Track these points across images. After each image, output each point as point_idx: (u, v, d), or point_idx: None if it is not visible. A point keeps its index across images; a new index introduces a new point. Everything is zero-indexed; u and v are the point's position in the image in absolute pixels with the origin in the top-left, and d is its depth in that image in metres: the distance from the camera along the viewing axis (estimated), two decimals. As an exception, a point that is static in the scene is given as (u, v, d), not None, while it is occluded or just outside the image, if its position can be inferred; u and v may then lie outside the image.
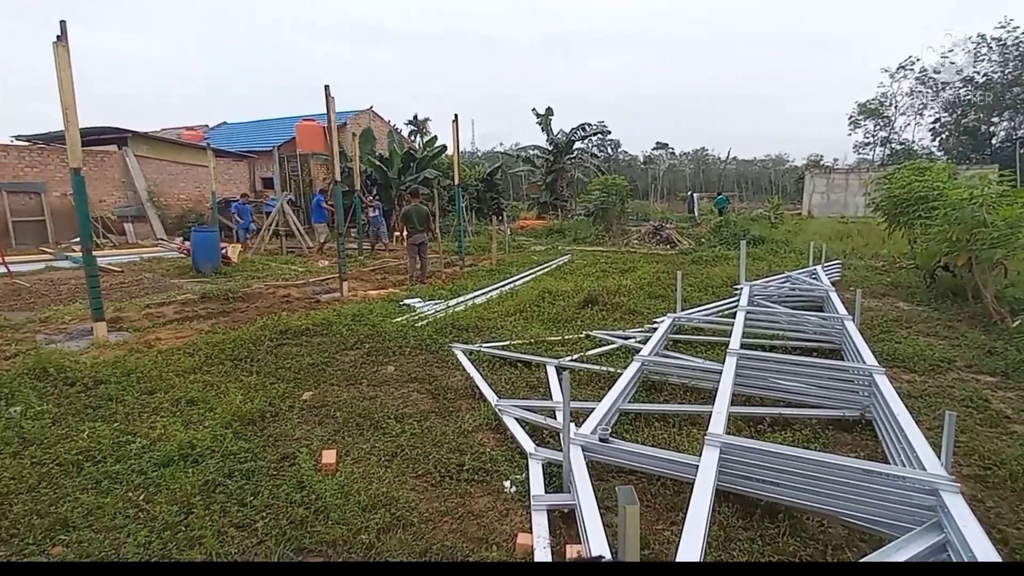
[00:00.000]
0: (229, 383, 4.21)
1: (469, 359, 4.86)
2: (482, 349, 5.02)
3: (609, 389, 3.70)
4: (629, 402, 3.71)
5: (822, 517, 2.48)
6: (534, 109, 28.23)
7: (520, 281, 9.03)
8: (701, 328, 5.73)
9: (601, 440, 2.84)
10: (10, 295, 7.93)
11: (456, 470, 2.99)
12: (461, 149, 12.18)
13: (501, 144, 58.26)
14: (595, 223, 18.42)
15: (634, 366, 4.02)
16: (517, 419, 3.52)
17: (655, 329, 5.21)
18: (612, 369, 4.41)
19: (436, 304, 7.18)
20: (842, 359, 4.47)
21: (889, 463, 2.77)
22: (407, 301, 7.37)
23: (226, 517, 2.55)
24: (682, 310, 6.01)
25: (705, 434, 2.65)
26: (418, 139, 39.03)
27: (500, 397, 3.95)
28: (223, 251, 10.90)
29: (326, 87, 8.30)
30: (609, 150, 62.95)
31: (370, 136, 20.71)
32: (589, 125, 28.07)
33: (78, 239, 14.87)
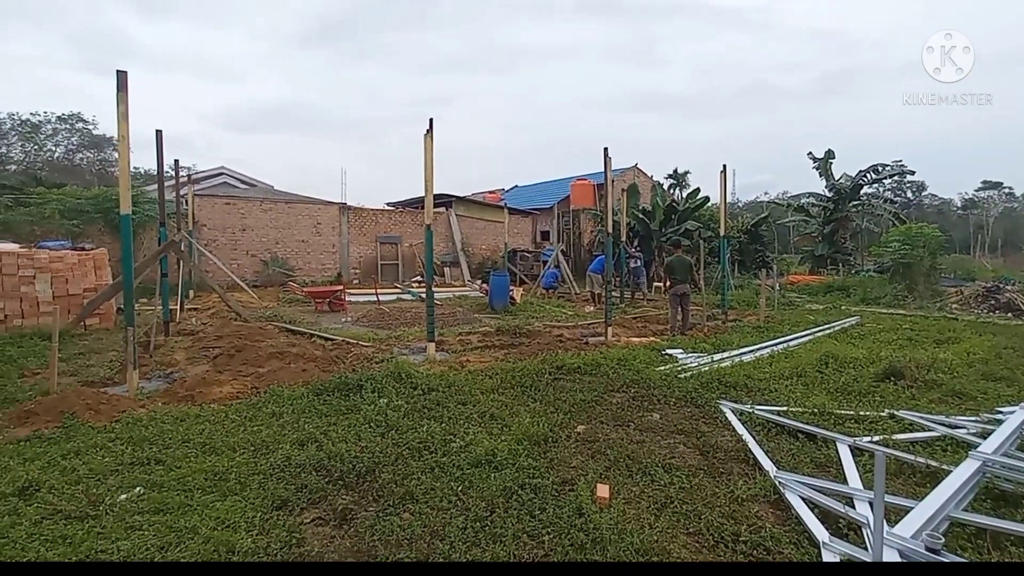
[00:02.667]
0: (519, 406, 4.73)
1: (739, 419, 4.44)
2: (755, 411, 4.52)
3: (931, 487, 2.91)
4: (963, 510, 2.84)
5: None
6: (810, 153, 24.84)
7: (795, 341, 7.90)
8: (1081, 430, 4.05)
9: (929, 550, 2.23)
10: (377, 317, 10.62)
11: (731, 538, 2.73)
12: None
13: (766, 194, 52.97)
14: (892, 281, 15.01)
15: (970, 465, 3.08)
16: (803, 498, 3.04)
17: (1000, 421, 3.90)
18: (932, 462, 3.46)
19: (699, 357, 6.81)
20: None
21: None
22: (669, 351, 7.19)
23: (520, 524, 2.82)
24: (1045, 402, 4.37)
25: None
26: (677, 192, 38.45)
27: (779, 468, 3.48)
28: (511, 293, 12.50)
29: (605, 149, 8.92)
30: (909, 194, 51.18)
31: (635, 191, 21.31)
32: (883, 166, 23.23)
33: (417, 278, 19.05)
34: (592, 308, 12.74)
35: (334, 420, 4.29)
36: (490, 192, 30.88)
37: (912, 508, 2.65)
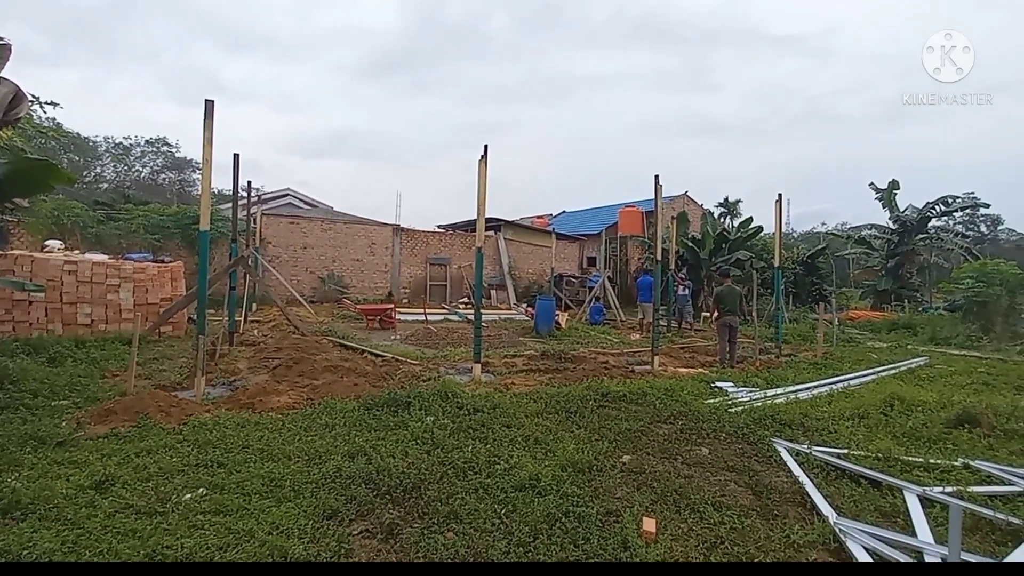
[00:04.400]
0: (563, 431, 4.68)
1: (795, 460, 4.21)
2: (813, 452, 4.28)
3: (1012, 547, 2.66)
4: (1054, 576, 2.56)
5: None
6: (872, 184, 23.57)
7: (856, 380, 7.45)
8: None
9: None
10: (424, 336, 10.83)
11: (787, 585, 2.57)
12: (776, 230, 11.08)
13: (823, 224, 50.68)
14: (965, 320, 13.94)
15: (1061, 526, 2.78)
16: (866, 548, 2.84)
17: (1096, 480, 3.52)
18: (1013, 519, 3.15)
19: (751, 391, 6.54)
20: None
21: None
22: (719, 383, 6.94)
23: (564, 552, 2.77)
24: None
25: None
26: (728, 220, 37.42)
27: (839, 515, 3.27)
28: (556, 317, 12.46)
29: (655, 177, 8.87)
30: (983, 228, 47.69)
31: (684, 219, 20.93)
32: (953, 198, 21.72)
33: (463, 299, 19.31)
34: (638, 336, 12.49)
35: (383, 435, 4.39)
36: (538, 217, 31.11)
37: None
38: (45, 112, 14.52)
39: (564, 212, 35.34)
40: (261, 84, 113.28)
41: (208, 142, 5.44)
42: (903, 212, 22.37)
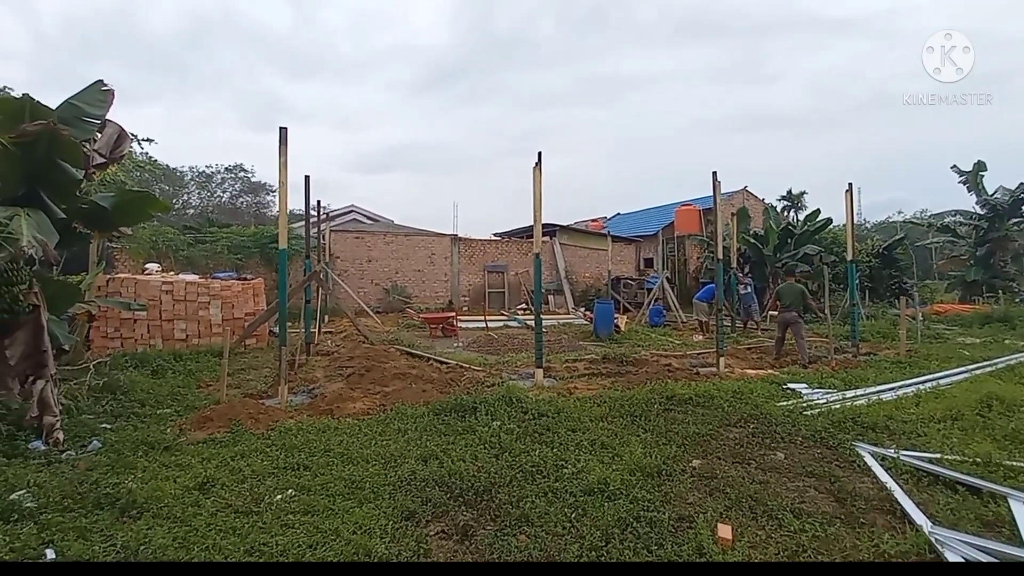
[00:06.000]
0: (629, 435, 4.61)
1: (881, 465, 3.94)
2: (901, 457, 3.98)
3: None
4: None
5: None
6: (955, 166, 21.56)
7: (945, 380, 6.84)
8: None
9: None
10: (486, 343, 11.00)
11: (879, 598, 2.42)
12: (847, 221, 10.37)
13: (900, 213, 46.88)
14: (1074, 311, 12.48)
15: None
16: (967, 560, 2.61)
17: None
18: None
19: (827, 393, 6.17)
20: None
21: None
22: (792, 385, 6.59)
23: (637, 558, 2.74)
24: None
25: None
26: (792, 214, 35.42)
27: (934, 523, 3.02)
28: (615, 321, 12.28)
29: (713, 173, 8.57)
30: (1085, 209, 42.38)
31: (745, 215, 19.99)
32: (1054, 177, 19.45)
33: (522, 305, 19.42)
34: (701, 337, 12.07)
35: (452, 439, 4.50)
36: (593, 220, 30.78)
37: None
38: (141, 148, 16.06)
39: (619, 214, 34.80)
40: (323, 105, 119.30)
41: (283, 166, 5.82)
42: (992, 195, 20.33)
